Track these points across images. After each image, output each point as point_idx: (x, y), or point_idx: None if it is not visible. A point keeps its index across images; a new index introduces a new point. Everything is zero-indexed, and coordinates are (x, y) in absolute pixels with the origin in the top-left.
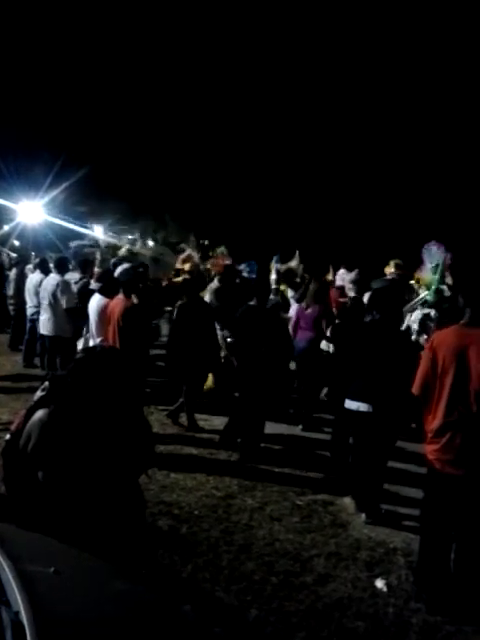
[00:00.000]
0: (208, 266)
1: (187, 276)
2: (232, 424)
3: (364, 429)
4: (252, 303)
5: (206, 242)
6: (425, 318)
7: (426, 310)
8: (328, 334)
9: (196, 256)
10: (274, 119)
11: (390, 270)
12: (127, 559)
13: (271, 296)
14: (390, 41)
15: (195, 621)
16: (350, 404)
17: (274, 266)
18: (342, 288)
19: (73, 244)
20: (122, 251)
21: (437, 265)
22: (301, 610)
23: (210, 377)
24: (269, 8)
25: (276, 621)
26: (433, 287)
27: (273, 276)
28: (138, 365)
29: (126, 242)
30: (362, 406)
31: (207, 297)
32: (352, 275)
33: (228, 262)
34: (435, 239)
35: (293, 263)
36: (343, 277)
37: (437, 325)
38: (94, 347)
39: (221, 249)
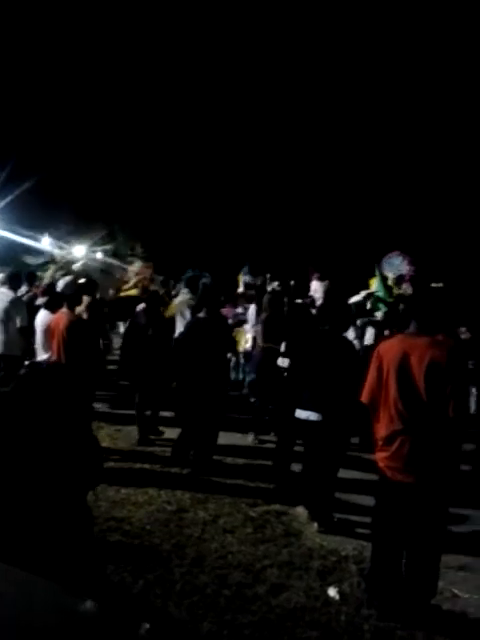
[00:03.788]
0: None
1: (136, 290)
2: (184, 437)
3: (314, 438)
4: (201, 315)
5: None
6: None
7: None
8: (282, 350)
9: (147, 270)
10: (233, 124)
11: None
12: (75, 578)
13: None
14: (360, 65)
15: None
16: (300, 413)
17: (242, 278)
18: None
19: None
20: (78, 265)
21: (380, 275)
22: (254, 622)
23: None
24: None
25: (229, 634)
26: (377, 294)
27: (240, 288)
28: (85, 380)
29: (80, 253)
30: (312, 415)
31: (180, 309)
32: (323, 285)
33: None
34: (399, 250)
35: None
36: (316, 288)
37: (378, 334)
38: (39, 363)
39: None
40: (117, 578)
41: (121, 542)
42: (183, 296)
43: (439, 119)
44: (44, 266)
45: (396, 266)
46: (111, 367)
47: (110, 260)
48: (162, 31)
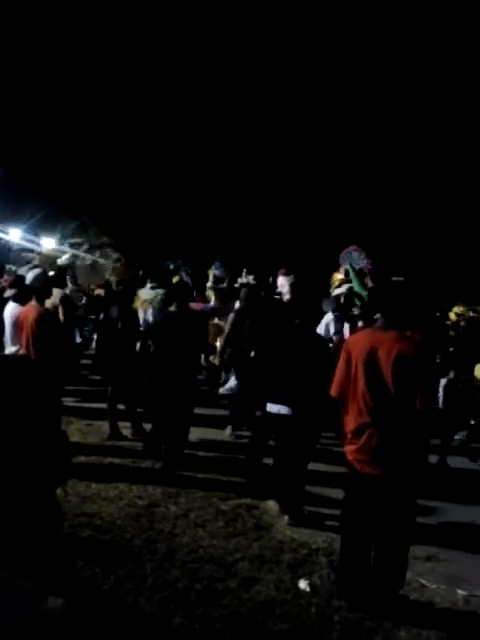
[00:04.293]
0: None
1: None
2: (155, 432)
3: (285, 432)
4: (172, 309)
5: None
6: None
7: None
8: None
9: (120, 264)
10: (207, 115)
11: (339, 276)
12: (44, 574)
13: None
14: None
15: None
16: (271, 407)
17: (213, 272)
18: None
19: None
20: (63, 259)
21: (353, 271)
22: (225, 615)
23: None
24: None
25: (200, 628)
26: (355, 289)
27: (209, 283)
28: (54, 374)
29: (50, 245)
30: (282, 409)
31: (150, 305)
32: (289, 279)
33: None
34: (356, 244)
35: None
36: (282, 283)
37: (352, 328)
38: (5, 357)
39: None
40: (88, 573)
41: (92, 537)
42: (154, 290)
43: (395, 115)
44: (26, 256)
45: (354, 260)
46: (86, 361)
47: (102, 260)
48: (140, 26)
